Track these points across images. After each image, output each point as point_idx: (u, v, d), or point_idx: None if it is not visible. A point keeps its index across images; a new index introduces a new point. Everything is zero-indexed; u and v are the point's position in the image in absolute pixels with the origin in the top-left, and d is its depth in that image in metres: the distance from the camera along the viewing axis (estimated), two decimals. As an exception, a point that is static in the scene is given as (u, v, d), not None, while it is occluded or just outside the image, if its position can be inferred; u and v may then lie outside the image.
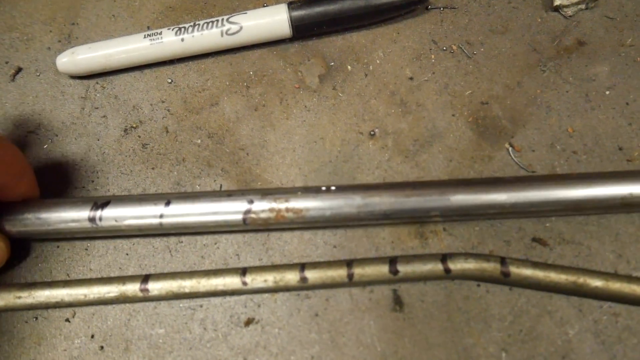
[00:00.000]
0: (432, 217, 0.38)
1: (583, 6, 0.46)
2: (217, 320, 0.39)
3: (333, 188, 0.38)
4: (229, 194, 0.39)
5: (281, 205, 0.38)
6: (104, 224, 0.38)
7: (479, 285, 0.38)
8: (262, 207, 0.38)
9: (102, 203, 0.38)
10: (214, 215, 0.38)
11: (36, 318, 0.40)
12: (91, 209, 0.38)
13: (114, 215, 0.38)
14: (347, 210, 0.37)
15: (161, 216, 0.38)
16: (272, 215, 0.37)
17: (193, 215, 0.38)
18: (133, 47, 0.44)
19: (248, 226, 0.38)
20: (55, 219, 0.39)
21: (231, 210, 0.38)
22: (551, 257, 0.39)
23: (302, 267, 0.38)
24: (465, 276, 0.37)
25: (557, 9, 0.46)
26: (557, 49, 0.45)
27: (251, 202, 0.38)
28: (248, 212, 0.38)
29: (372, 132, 0.43)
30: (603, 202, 0.37)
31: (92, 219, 0.38)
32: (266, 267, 0.38)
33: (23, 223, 0.39)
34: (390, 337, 0.37)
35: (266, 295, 0.39)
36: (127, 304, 0.40)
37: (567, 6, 0.46)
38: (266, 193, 0.38)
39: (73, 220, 0.38)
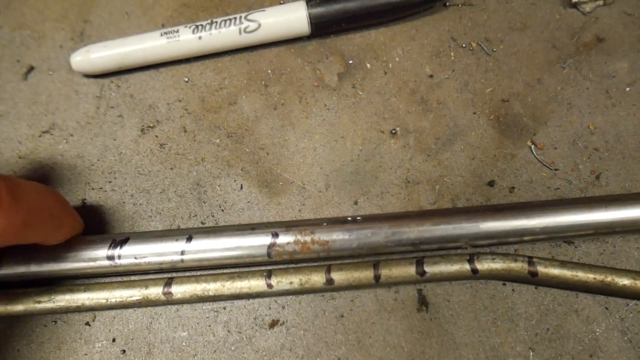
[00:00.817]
0: (461, 245, 0.37)
1: (601, 2, 0.46)
2: (241, 323, 0.38)
3: (359, 218, 0.38)
4: (252, 228, 0.38)
5: (306, 237, 0.37)
6: (123, 261, 0.37)
7: (504, 285, 0.38)
8: (287, 239, 0.37)
9: (121, 240, 0.37)
10: (237, 250, 0.38)
11: (55, 322, 0.39)
12: (109, 247, 0.37)
13: (133, 252, 0.38)
14: (374, 240, 0.37)
15: (182, 252, 0.37)
16: (297, 247, 0.37)
17: (216, 251, 0.38)
18: (150, 45, 0.44)
19: (273, 259, 0.37)
20: (73, 258, 0.38)
21: (255, 244, 0.38)
22: (576, 255, 0.39)
23: (328, 268, 0.37)
24: (492, 276, 0.37)
25: (575, 5, 0.46)
26: (577, 45, 0.45)
27: (276, 235, 0.37)
28: (273, 245, 0.37)
29: (393, 131, 0.43)
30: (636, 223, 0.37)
31: (110, 257, 0.37)
32: (291, 269, 0.38)
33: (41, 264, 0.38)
34: (416, 337, 0.37)
35: (290, 297, 0.39)
36: (149, 307, 0.39)
37: (585, 2, 0.45)
38: (291, 225, 0.38)
39: (90, 259, 0.38)
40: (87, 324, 0.39)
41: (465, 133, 0.42)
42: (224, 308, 0.38)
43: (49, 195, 0.34)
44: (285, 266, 0.39)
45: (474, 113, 0.43)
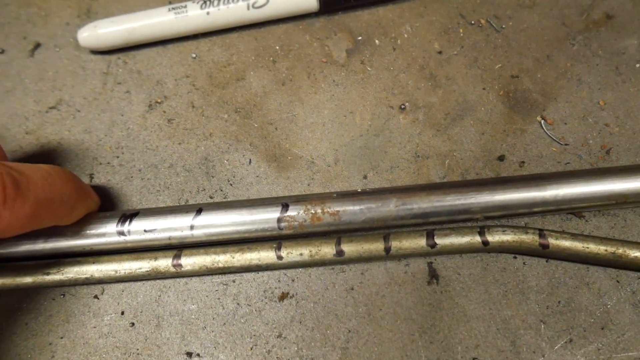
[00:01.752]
0: (473, 216, 0.37)
1: (611, -20, 0.45)
2: (251, 296, 0.38)
3: (369, 190, 0.37)
4: (262, 201, 0.38)
5: (317, 207, 0.37)
6: (133, 237, 0.37)
7: (515, 258, 0.38)
8: (297, 210, 0.37)
9: (131, 214, 0.37)
10: (247, 224, 0.38)
11: (64, 295, 0.39)
12: (119, 222, 0.37)
13: (143, 226, 0.37)
14: (384, 211, 0.36)
15: (192, 227, 0.37)
16: (307, 217, 0.37)
17: (225, 225, 0.38)
18: (157, 20, 0.43)
19: (283, 231, 0.37)
20: (82, 234, 0.38)
21: (265, 216, 0.37)
22: (587, 229, 0.39)
23: (338, 240, 0.37)
24: (503, 248, 0.37)
25: (585, -18, 0.46)
26: (586, 22, 0.45)
27: (286, 206, 0.37)
28: (283, 216, 0.37)
29: (402, 106, 0.43)
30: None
31: (120, 232, 0.37)
32: (301, 241, 0.37)
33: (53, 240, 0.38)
34: (427, 310, 0.37)
35: (300, 270, 0.38)
36: (157, 281, 0.39)
37: (595, -20, 0.45)
38: (300, 198, 0.37)
39: (100, 235, 0.38)
40: (96, 297, 0.38)
41: (475, 108, 0.42)
42: (233, 281, 0.38)
43: (60, 180, 0.33)
44: (296, 239, 0.38)
45: (484, 89, 0.43)
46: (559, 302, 0.37)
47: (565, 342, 0.36)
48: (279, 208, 0.37)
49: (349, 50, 0.45)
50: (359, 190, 0.37)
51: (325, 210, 0.36)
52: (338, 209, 0.36)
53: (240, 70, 0.45)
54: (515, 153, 0.41)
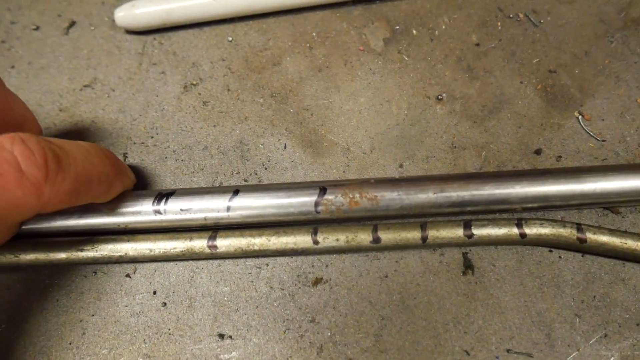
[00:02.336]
0: (510, 207, 0.37)
1: (650, -21, 0.45)
2: (284, 280, 0.38)
3: (407, 177, 0.37)
4: (300, 184, 0.38)
5: (355, 192, 0.36)
6: (169, 217, 0.37)
7: (550, 251, 0.38)
8: (335, 194, 0.37)
9: (167, 193, 0.37)
10: (284, 207, 0.37)
11: (95, 273, 0.39)
12: (155, 200, 0.37)
13: (179, 206, 0.37)
14: (422, 198, 0.36)
15: (228, 208, 0.37)
16: (345, 202, 0.36)
17: (262, 207, 0.37)
18: (196, 2, 0.43)
19: (320, 215, 0.37)
20: (117, 212, 0.37)
21: (303, 199, 0.37)
22: (623, 225, 0.39)
23: (375, 227, 0.37)
24: (540, 241, 0.37)
25: (624, -20, 0.45)
26: (624, 20, 0.45)
27: (324, 190, 0.36)
28: (320, 200, 0.36)
29: (439, 97, 0.43)
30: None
31: (156, 211, 0.37)
32: (338, 226, 0.37)
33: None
34: (461, 300, 0.37)
35: (334, 256, 0.38)
36: (190, 262, 0.39)
37: (634, -22, 0.45)
38: (338, 182, 0.37)
39: (135, 213, 0.37)
40: (128, 276, 0.38)
41: (512, 101, 0.42)
42: (267, 265, 0.38)
43: (99, 157, 0.33)
44: (331, 224, 0.38)
45: (521, 82, 0.43)
46: (594, 296, 0.37)
47: (600, 337, 0.35)
48: (317, 192, 0.36)
49: (386, 39, 0.45)
50: (397, 177, 0.37)
51: (364, 195, 0.36)
52: (376, 194, 0.36)
53: (276, 55, 0.45)
54: (552, 147, 0.41)
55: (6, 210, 0.26)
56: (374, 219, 0.38)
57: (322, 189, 0.37)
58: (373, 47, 0.45)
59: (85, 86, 0.44)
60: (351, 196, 0.36)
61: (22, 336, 0.37)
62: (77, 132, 0.42)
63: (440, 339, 0.36)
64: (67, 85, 0.44)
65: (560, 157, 0.40)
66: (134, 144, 0.42)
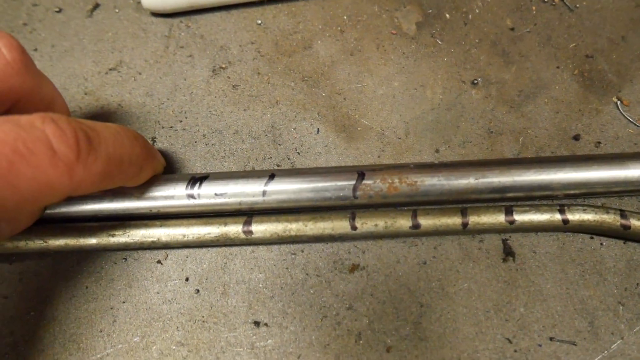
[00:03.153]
0: (553, 193, 0.36)
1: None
2: (320, 266, 0.37)
3: (447, 162, 0.36)
4: (337, 169, 0.37)
5: (394, 177, 0.35)
6: (202, 201, 0.36)
7: (592, 238, 0.37)
8: (373, 179, 0.36)
9: (200, 177, 0.36)
10: (321, 191, 0.36)
11: (125, 259, 0.38)
12: (188, 184, 0.36)
13: (213, 190, 0.36)
14: (463, 183, 0.35)
15: (264, 193, 0.36)
16: (384, 187, 0.35)
17: (298, 192, 0.36)
18: (225, -17, 0.42)
19: (357, 200, 0.36)
20: (149, 197, 0.36)
21: (340, 183, 0.36)
22: (665, 212, 0.38)
23: (414, 213, 0.36)
24: (582, 228, 0.36)
25: (660, -36, 0.45)
26: (661, 5, 0.44)
27: (362, 175, 0.35)
28: (359, 184, 0.35)
29: (474, 81, 0.42)
30: None
31: (190, 195, 0.36)
32: (376, 212, 0.36)
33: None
34: (502, 287, 0.36)
35: (371, 242, 0.37)
36: (223, 248, 0.38)
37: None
38: (377, 167, 0.36)
39: (168, 197, 0.36)
40: (159, 262, 0.37)
41: (549, 87, 0.41)
42: (302, 251, 0.37)
43: (129, 139, 0.32)
44: (369, 210, 0.37)
45: (557, 67, 0.42)
46: (638, 284, 0.36)
47: (645, 325, 0.35)
48: (355, 176, 0.35)
49: (418, 23, 0.44)
50: (436, 162, 0.36)
51: (403, 180, 0.35)
52: (416, 179, 0.35)
53: (307, 39, 0.43)
54: (590, 133, 0.40)
55: (39, 191, 0.25)
56: (412, 205, 0.37)
57: (361, 173, 0.36)
58: (406, 30, 0.44)
59: (110, 69, 0.43)
60: (390, 181, 0.35)
61: (51, 323, 0.36)
62: (104, 116, 0.41)
63: (481, 327, 0.35)
64: (92, 69, 0.43)
65: (599, 143, 0.40)
66: (163, 128, 0.41)
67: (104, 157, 0.28)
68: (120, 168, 0.30)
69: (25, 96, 0.31)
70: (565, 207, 0.36)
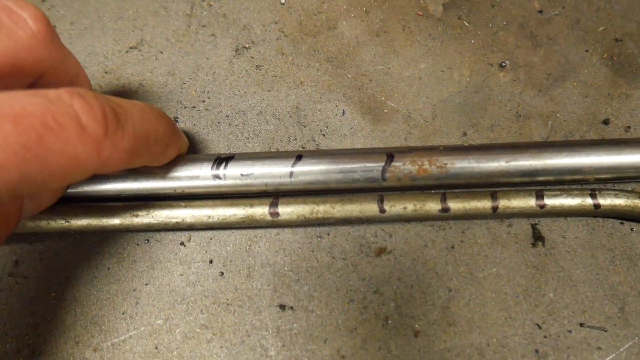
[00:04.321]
0: (584, 177, 0.35)
1: None
2: (346, 250, 0.36)
3: (476, 145, 0.36)
4: (366, 150, 0.36)
5: (424, 159, 0.35)
6: (228, 182, 0.35)
7: (622, 224, 0.37)
8: (402, 161, 0.35)
9: (226, 157, 0.35)
10: (349, 172, 0.35)
11: (148, 240, 0.37)
12: (214, 165, 0.35)
13: (239, 170, 0.35)
14: (494, 165, 0.35)
15: (291, 174, 0.35)
16: (414, 169, 0.34)
17: (326, 173, 0.35)
18: (250, -40, 0.41)
19: (386, 183, 0.35)
20: (174, 177, 0.35)
21: (369, 164, 0.35)
22: (696, 198, 0.37)
23: (444, 196, 0.35)
24: (614, 213, 0.36)
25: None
26: (691, -11, 0.43)
27: (391, 156, 0.35)
28: (388, 166, 0.35)
29: (502, 64, 0.41)
30: None
31: (216, 175, 0.35)
32: (405, 194, 0.36)
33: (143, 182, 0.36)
34: (531, 272, 0.35)
35: (398, 225, 0.37)
36: (247, 230, 0.37)
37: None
38: (406, 149, 0.35)
39: (194, 177, 0.35)
40: (182, 244, 0.36)
41: (578, 70, 0.41)
42: (328, 234, 0.37)
43: (154, 117, 0.31)
44: (397, 192, 0.37)
45: (586, 51, 0.41)
46: (669, 270, 0.35)
47: (676, 312, 0.34)
48: (384, 158, 0.35)
49: (445, 4, 0.43)
50: (466, 144, 0.36)
51: (433, 162, 0.34)
52: (446, 162, 0.35)
53: (331, 19, 0.43)
54: (620, 117, 0.39)
55: (67, 167, 0.25)
56: (441, 188, 0.37)
57: (390, 155, 0.35)
58: (432, 12, 0.43)
59: (131, 48, 0.42)
60: (420, 163, 0.35)
61: (72, 304, 0.35)
62: (125, 95, 0.41)
63: (510, 312, 0.35)
64: (112, 47, 0.42)
65: (629, 127, 0.39)
66: (185, 108, 0.40)
67: (131, 134, 0.27)
68: (146, 145, 0.30)
69: (50, 70, 0.30)
70: (597, 192, 0.35)
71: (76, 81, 0.33)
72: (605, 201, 0.35)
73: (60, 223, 0.35)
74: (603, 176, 0.36)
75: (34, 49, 0.29)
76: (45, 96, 0.24)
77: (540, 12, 0.43)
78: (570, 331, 0.34)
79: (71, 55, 0.32)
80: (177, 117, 0.40)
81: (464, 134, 0.39)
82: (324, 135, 0.39)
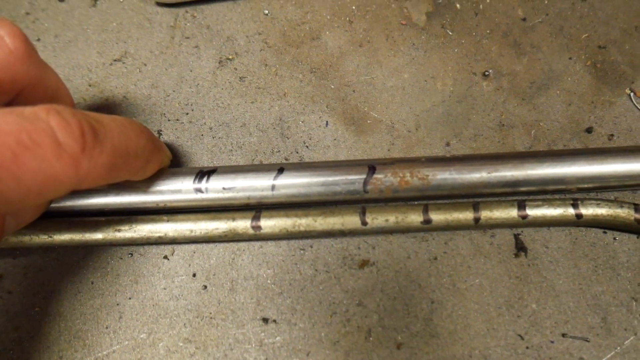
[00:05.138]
0: (566, 187, 0.35)
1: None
2: (329, 262, 0.36)
3: (458, 156, 0.36)
4: (348, 163, 0.36)
5: (405, 171, 0.35)
6: (210, 195, 0.35)
7: (605, 233, 0.37)
8: (384, 173, 0.35)
9: (208, 171, 0.35)
10: (331, 185, 0.35)
11: (132, 254, 0.37)
12: (196, 178, 0.35)
13: (221, 184, 0.35)
14: (475, 177, 0.35)
15: (273, 187, 0.35)
16: (395, 181, 0.35)
17: (308, 185, 0.35)
18: (232, -28, 0.41)
19: (367, 195, 0.35)
20: (156, 191, 0.35)
21: (352, 177, 0.35)
22: (679, 207, 0.37)
23: (426, 208, 0.35)
24: (596, 222, 0.36)
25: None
26: (675, -5, 0.43)
27: (373, 168, 0.35)
28: (369, 178, 0.35)
29: (485, 73, 0.41)
30: None
31: (198, 189, 0.35)
32: (387, 206, 0.36)
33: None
34: (514, 283, 0.35)
35: (381, 237, 0.37)
36: (231, 244, 0.37)
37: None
38: (388, 161, 0.36)
39: (175, 191, 0.35)
40: (166, 257, 0.37)
41: (561, 78, 0.41)
42: (310, 246, 0.37)
43: (134, 132, 0.31)
44: (379, 204, 0.37)
45: (570, 58, 0.41)
46: (651, 280, 0.35)
47: (659, 321, 0.34)
48: (366, 170, 0.35)
49: (428, 13, 0.43)
50: (448, 156, 0.36)
51: (415, 174, 0.34)
52: (427, 173, 0.35)
53: (315, 30, 0.43)
54: (603, 125, 0.39)
55: (44, 184, 0.25)
56: (423, 199, 0.36)
57: (371, 167, 0.35)
58: (415, 21, 0.43)
59: (115, 60, 0.42)
60: (401, 175, 0.35)
61: (56, 319, 0.35)
62: (109, 108, 0.41)
63: (493, 323, 0.35)
64: (96, 60, 0.42)
65: (612, 135, 0.39)
66: (169, 120, 0.40)
67: (109, 150, 0.27)
68: (126, 160, 0.30)
69: (29, 86, 0.30)
70: (579, 202, 0.35)
71: (56, 96, 0.33)
72: (587, 211, 0.35)
73: (43, 238, 0.35)
74: (585, 186, 0.36)
75: (12, 66, 0.29)
76: (21, 114, 0.24)
77: (524, 19, 0.43)
78: (552, 342, 0.34)
79: (51, 70, 0.32)
80: (161, 130, 0.40)
81: (448, 144, 0.39)
82: (307, 147, 0.39)
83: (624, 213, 0.35)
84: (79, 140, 0.25)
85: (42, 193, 0.25)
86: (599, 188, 0.36)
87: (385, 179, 0.35)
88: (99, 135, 0.27)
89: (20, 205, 0.25)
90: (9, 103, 0.30)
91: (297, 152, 0.39)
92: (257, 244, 0.37)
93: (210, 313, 0.35)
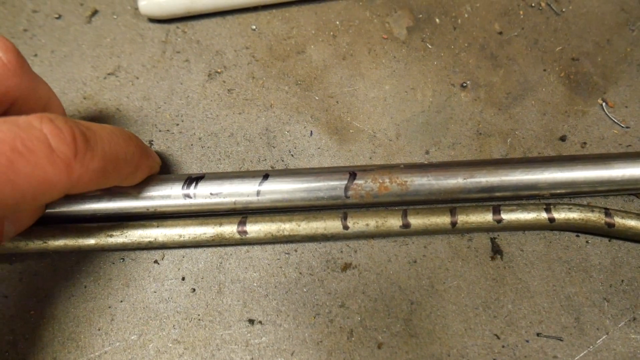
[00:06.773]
0: (539, 192, 0.37)
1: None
2: (313, 265, 0.38)
3: (436, 163, 0.37)
4: (330, 169, 0.38)
5: (385, 177, 0.36)
6: (198, 200, 0.37)
7: (578, 236, 0.38)
8: (364, 179, 0.37)
9: (197, 177, 0.37)
10: (314, 191, 0.37)
11: (123, 259, 0.38)
12: (185, 184, 0.37)
13: (208, 190, 0.37)
14: (452, 183, 0.36)
15: (258, 193, 0.37)
16: (375, 187, 0.36)
17: (292, 191, 0.37)
18: (220, -10, 0.43)
19: (349, 200, 0.37)
20: (146, 196, 0.37)
21: (333, 183, 0.37)
22: (649, 211, 0.39)
23: (405, 213, 0.37)
24: (568, 226, 0.37)
25: (644, -30, 0.46)
26: (645, 9, 0.45)
27: (353, 175, 0.37)
28: (350, 184, 0.37)
29: (463, 84, 0.43)
30: None
31: (186, 195, 0.37)
32: (367, 211, 0.37)
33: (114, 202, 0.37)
34: (491, 285, 0.37)
35: (363, 241, 0.38)
36: (218, 248, 0.39)
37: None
38: (368, 167, 0.37)
39: (165, 197, 0.37)
40: (156, 262, 0.38)
41: (536, 89, 0.42)
42: (295, 250, 0.38)
43: (124, 139, 0.33)
44: (361, 209, 0.38)
45: (544, 70, 0.43)
46: (622, 281, 0.37)
47: (629, 320, 0.36)
48: (347, 176, 0.36)
49: (409, 27, 0.45)
50: (426, 162, 0.37)
51: (394, 180, 0.36)
52: (406, 179, 0.36)
53: (300, 44, 0.45)
54: (576, 134, 0.41)
55: (38, 188, 0.26)
56: (403, 204, 0.38)
57: (352, 174, 0.37)
58: (396, 35, 0.45)
59: (109, 74, 0.44)
60: (381, 181, 0.36)
61: (50, 322, 0.37)
62: (102, 120, 0.42)
63: (470, 323, 0.36)
64: (90, 73, 0.44)
65: (585, 143, 0.41)
66: (160, 131, 0.42)
67: (100, 155, 0.29)
68: (116, 166, 0.31)
69: (22, 98, 0.32)
70: (552, 206, 0.37)
71: (48, 107, 0.35)
72: (560, 215, 0.37)
73: (38, 244, 0.37)
74: (558, 191, 0.37)
75: (5, 79, 0.31)
76: (15, 123, 0.26)
77: (500, 33, 0.45)
78: (527, 341, 0.36)
79: (42, 82, 0.34)
80: (152, 140, 0.42)
81: (427, 152, 0.41)
82: (292, 155, 0.41)
83: (595, 217, 0.37)
84: (71, 146, 0.27)
85: (37, 197, 0.27)
86: (572, 194, 0.38)
87: (365, 184, 0.36)
88: (90, 142, 0.28)
89: (16, 209, 0.26)
90: (3, 114, 0.32)
91: (282, 161, 0.41)
92: (244, 248, 0.39)
93: (199, 315, 0.37)
